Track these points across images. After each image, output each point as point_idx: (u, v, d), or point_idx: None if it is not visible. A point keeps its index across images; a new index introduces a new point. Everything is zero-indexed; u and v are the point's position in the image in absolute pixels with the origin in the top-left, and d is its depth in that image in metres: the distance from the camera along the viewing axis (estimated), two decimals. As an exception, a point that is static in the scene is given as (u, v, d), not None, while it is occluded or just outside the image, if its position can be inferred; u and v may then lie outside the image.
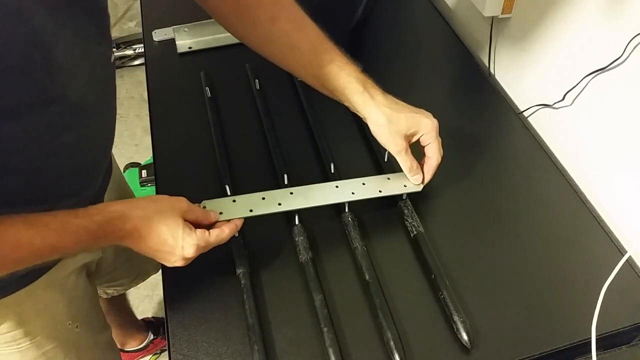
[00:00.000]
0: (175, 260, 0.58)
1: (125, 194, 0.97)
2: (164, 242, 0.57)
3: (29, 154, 0.54)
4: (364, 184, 0.71)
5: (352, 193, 0.69)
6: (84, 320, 0.81)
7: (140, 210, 0.56)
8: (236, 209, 0.65)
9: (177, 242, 0.57)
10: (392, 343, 0.60)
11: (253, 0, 0.66)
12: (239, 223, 0.63)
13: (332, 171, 0.77)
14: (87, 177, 0.67)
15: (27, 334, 0.71)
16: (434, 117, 0.69)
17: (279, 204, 0.66)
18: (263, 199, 0.66)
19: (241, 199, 0.66)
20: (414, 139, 0.68)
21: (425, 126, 0.67)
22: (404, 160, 0.68)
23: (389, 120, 0.66)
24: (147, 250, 0.58)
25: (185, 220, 0.58)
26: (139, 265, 1.06)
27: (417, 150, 0.70)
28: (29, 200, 0.57)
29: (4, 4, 0.42)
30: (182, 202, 0.60)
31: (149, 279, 1.49)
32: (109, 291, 1.07)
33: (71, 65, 0.52)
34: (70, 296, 0.77)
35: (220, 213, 0.63)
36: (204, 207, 0.64)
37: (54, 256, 0.54)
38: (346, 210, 0.72)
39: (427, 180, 0.71)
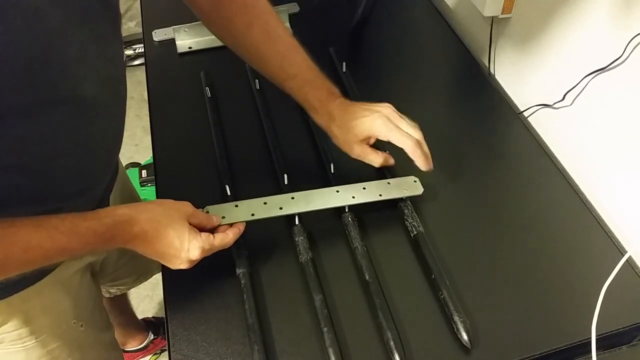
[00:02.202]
0: (180, 262, 0.59)
1: (129, 193, 0.97)
2: (171, 244, 0.57)
3: (39, 153, 0.54)
4: (364, 188, 0.71)
5: (353, 197, 0.70)
6: (88, 319, 0.82)
7: (148, 213, 0.57)
8: (238, 213, 0.66)
9: (183, 245, 0.58)
10: (392, 343, 0.60)
11: (231, 5, 0.68)
12: (242, 227, 0.64)
13: (332, 171, 0.77)
14: (96, 177, 0.67)
15: (33, 332, 0.71)
16: (437, 117, 0.69)
17: (280, 208, 0.67)
18: (265, 203, 0.67)
19: (243, 204, 0.67)
20: (372, 141, 0.70)
21: (377, 128, 0.67)
22: (370, 160, 0.69)
23: (342, 132, 0.69)
24: (153, 253, 0.59)
25: (190, 224, 0.59)
26: (143, 265, 1.06)
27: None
28: (37, 199, 0.57)
29: (20, 1, 0.42)
30: (187, 206, 0.61)
31: (150, 278, 1.48)
32: (112, 290, 1.07)
33: (85, 64, 0.53)
34: (75, 295, 0.77)
35: (223, 217, 0.64)
36: (207, 212, 0.64)
37: (62, 258, 0.54)
38: (346, 210, 0.72)
39: (424, 164, 0.67)
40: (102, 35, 0.55)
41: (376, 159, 0.69)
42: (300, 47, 0.70)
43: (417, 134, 0.68)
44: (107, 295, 1.09)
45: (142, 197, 1.50)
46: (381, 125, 0.66)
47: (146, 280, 1.12)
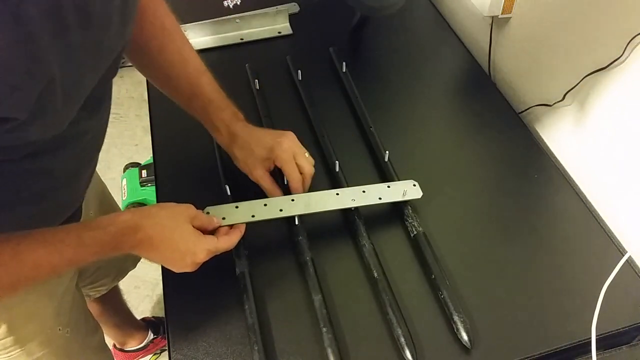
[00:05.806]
0: (185, 266, 0.59)
1: (96, 182, 0.96)
2: (176, 248, 0.57)
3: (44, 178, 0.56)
4: (364, 191, 0.71)
5: (353, 200, 0.70)
6: (73, 325, 0.81)
7: (151, 218, 0.57)
8: (238, 214, 0.66)
9: (188, 247, 0.58)
10: (402, 339, 0.60)
11: (150, 28, 0.69)
12: (243, 228, 0.65)
13: (337, 169, 0.77)
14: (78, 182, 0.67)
15: (17, 341, 0.70)
16: (437, 117, 0.69)
17: (280, 210, 0.67)
18: (265, 205, 0.67)
19: (243, 205, 0.67)
20: (272, 167, 0.72)
21: (278, 155, 0.70)
22: (263, 187, 0.71)
23: (244, 153, 0.71)
24: (158, 258, 0.58)
25: (193, 227, 0.59)
26: (118, 263, 1.06)
27: (410, 158, 0.69)
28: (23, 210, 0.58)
29: None
30: (190, 208, 0.61)
31: (149, 279, 1.48)
32: (90, 293, 1.05)
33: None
34: (59, 301, 0.76)
35: (223, 218, 0.64)
36: (208, 213, 0.64)
37: (70, 269, 0.54)
38: (352, 209, 0.72)
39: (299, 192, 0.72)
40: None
41: (271, 190, 0.71)
42: (209, 72, 0.73)
43: (309, 170, 0.71)
44: (86, 299, 1.08)
45: (135, 198, 1.49)
46: (282, 153, 0.70)
47: (122, 278, 1.11)
